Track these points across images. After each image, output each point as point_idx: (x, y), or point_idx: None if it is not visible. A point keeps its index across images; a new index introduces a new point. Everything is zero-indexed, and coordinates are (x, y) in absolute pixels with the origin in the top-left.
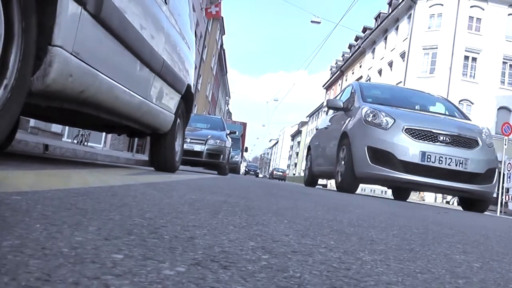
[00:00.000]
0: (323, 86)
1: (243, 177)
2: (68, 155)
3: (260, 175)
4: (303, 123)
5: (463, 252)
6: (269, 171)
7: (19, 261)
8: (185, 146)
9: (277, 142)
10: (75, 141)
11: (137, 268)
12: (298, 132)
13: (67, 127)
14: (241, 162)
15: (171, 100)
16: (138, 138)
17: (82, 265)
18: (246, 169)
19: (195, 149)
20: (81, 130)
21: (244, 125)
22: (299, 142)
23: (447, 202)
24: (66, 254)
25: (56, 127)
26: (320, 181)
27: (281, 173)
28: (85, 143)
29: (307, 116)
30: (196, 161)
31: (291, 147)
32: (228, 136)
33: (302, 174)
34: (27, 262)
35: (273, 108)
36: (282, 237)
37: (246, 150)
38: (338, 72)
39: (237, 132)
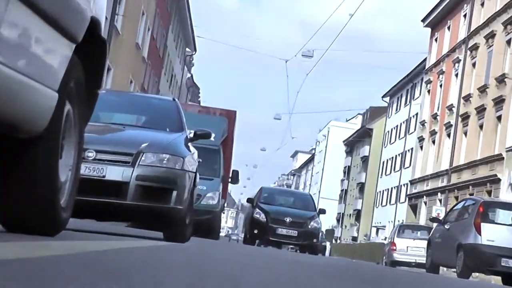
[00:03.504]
0: None
1: (241, 251)
2: None
3: (234, 237)
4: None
5: None
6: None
7: None
8: (83, 168)
9: (312, 158)
10: None
11: None
12: (355, 141)
13: None
14: (223, 209)
15: (51, 57)
16: None
17: None
18: (272, 219)
19: (109, 178)
20: None
21: (230, 116)
22: (365, 159)
23: None
24: None
25: None
26: None
27: None
28: None
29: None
30: (111, 207)
31: (346, 170)
32: (190, 143)
33: (371, 238)
34: None
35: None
36: None
37: (236, 178)
38: None
39: (213, 135)
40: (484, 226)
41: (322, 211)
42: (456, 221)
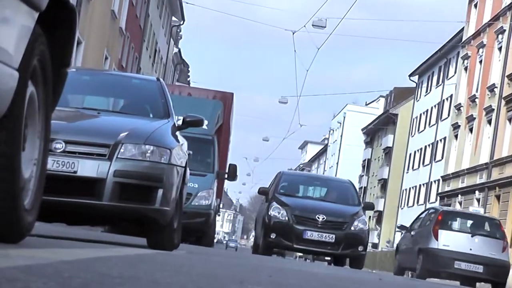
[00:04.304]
0: None
1: (245, 261)
2: None
3: (232, 244)
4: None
5: None
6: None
7: None
8: (51, 163)
9: (324, 150)
10: None
11: None
12: (377, 129)
13: None
14: (218, 211)
15: (9, 28)
16: None
17: None
18: (297, 218)
19: (81, 174)
20: None
21: (226, 99)
22: (388, 151)
23: None
24: None
25: None
26: None
27: None
28: None
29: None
30: (84, 208)
31: (365, 164)
32: (178, 132)
33: (395, 245)
34: None
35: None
36: None
37: (234, 174)
38: None
39: (205, 122)
40: (442, 233)
41: (369, 206)
42: (419, 228)
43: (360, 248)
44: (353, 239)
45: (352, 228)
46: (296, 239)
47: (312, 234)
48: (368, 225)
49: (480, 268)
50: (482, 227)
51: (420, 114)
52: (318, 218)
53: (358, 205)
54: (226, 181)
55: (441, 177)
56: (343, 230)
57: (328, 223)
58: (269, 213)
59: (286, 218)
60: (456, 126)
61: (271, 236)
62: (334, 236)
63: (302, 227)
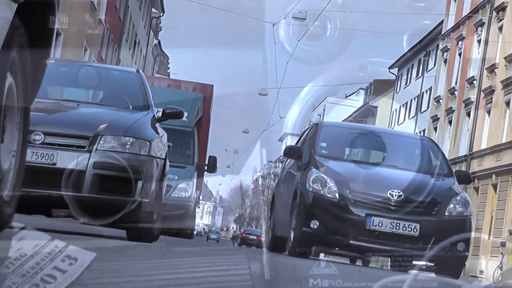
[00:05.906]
0: None
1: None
2: None
3: (213, 236)
4: None
5: None
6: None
7: None
8: (30, 154)
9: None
10: None
11: None
12: (356, 122)
13: None
14: (197, 203)
15: None
16: None
17: None
18: (355, 196)
19: (60, 165)
20: None
21: (206, 91)
22: None
23: None
24: None
25: None
26: None
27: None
28: None
29: None
30: (63, 200)
31: None
32: (158, 124)
33: None
34: None
35: None
36: None
37: (214, 166)
38: None
39: (185, 114)
40: None
41: (465, 177)
42: None
43: (461, 246)
44: (450, 230)
45: (447, 214)
46: (354, 230)
47: (381, 223)
48: (471, 208)
49: None
50: None
51: (400, 107)
52: (391, 195)
53: (450, 175)
54: (205, 173)
55: None
56: (434, 216)
57: (407, 205)
58: (307, 187)
59: (337, 195)
60: (435, 118)
61: (311, 225)
62: (418, 226)
63: (364, 210)
